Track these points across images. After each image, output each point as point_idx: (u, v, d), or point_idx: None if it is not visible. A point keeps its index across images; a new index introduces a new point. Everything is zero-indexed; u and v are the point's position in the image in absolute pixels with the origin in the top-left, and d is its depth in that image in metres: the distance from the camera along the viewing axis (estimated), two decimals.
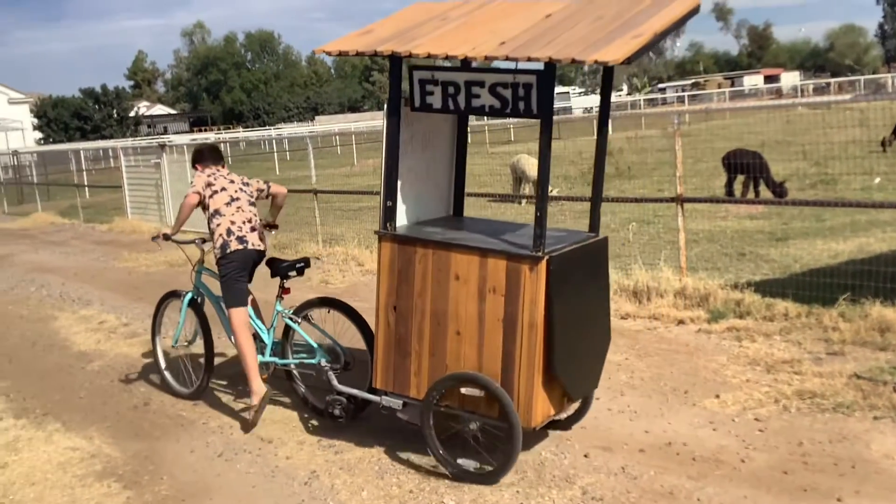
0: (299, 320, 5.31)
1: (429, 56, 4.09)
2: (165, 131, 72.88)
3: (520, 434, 4.08)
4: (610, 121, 4.60)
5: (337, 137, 38.12)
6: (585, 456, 4.43)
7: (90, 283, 10.65)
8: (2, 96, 60.05)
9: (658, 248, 8.86)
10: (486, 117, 4.55)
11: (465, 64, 4.34)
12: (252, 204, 5.55)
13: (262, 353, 5.40)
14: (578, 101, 61.80)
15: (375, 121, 58.18)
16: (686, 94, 54.92)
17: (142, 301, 9.06)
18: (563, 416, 4.72)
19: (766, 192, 12.47)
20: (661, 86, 74.21)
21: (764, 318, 6.37)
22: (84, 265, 12.21)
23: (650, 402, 5.13)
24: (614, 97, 67.99)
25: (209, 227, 5.42)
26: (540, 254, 3.99)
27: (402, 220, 4.68)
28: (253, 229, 5.41)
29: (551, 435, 4.72)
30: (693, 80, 76.54)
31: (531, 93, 3.93)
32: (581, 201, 12.29)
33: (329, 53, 4.55)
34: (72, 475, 4.76)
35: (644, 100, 52.43)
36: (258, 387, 5.20)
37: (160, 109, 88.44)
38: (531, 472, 4.30)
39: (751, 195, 12.64)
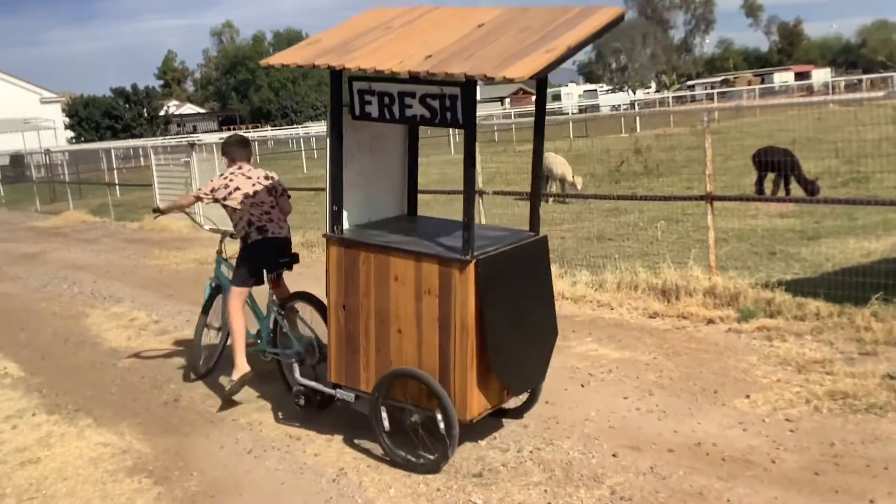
0: (283, 313, 5.57)
1: (360, 70, 4.27)
2: (195, 130, 73.47)
3: (456, 426, 4.28)
4: (544, 126, 4.85)
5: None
6: (614, 455, 4.41)
7: (121, 280, 10.78)
8: (34, 96, 60.82)
9: (687, 247, 8.80)
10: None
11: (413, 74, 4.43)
12: (271, 195, 5.73)
13: (262, 339, 5.72)
14: (606, 99, 61.49)
15: None
16: (715, 91, 54.33)
17: (172, 298, 9.16)
18: (511, 405, 4.94)
19: (796, 190, 12.33)
20: (689, 83, 73.47)
21: (795, 318, 6.29)
22: (115, 263, 12.35)
23: (679, 401, 5.09)
24: (642, 94, 67.63)
25: (231, 222, 5.74)
26: (468, 257, 4.18)
27: (353, 220, 4.92)
28: (271, 219, 5.63)
29: (579, 434, 4.71)
30: (722, 77, 75.73)
31: (456, 104, 4.11)
32: (609, 199, 12.26)
33: (273, 66, 4.82)
34: (103, 470, 4.82)
35: (673, 97, 51.99)
36: (242, 364, 5.49)
37: (189, 108, 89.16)
38: (559, 470, 4.29)
39: (781, 193, 12.51)
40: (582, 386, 5.48)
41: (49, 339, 8.06)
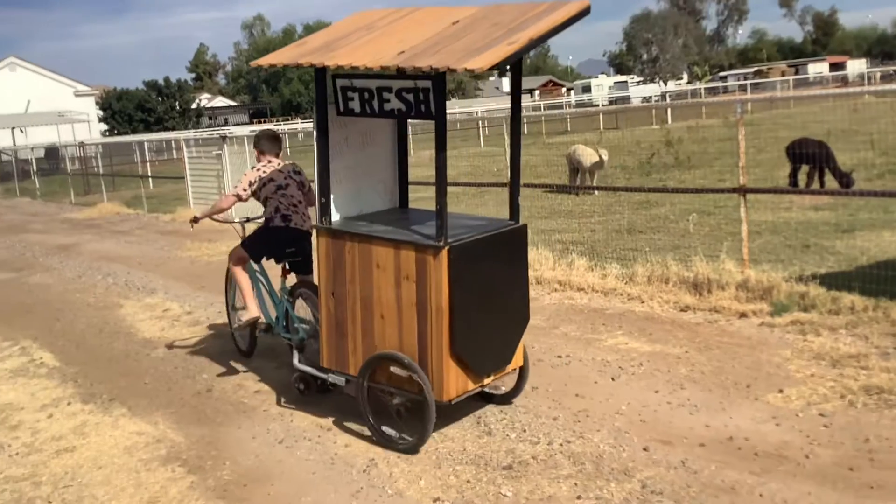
0: (291, 300, 5.87)
1: (338, 67, 4.59)
2: (226, 123, 73.88)
3: (433, 407, 4.51)
4: (523, 116, 5.06)
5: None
6: (645, 449, 4.39)
7: (154, 271, 10.90)
8: (68, 89, 61.58)
9: (719, 240, 8.72)
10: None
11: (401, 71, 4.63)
12: (300, 189, 6.00)
13: (277, 324, 6.01)
14: (637, 90, 60.96)
15: None
16: (748, 82, 53.65)
17: (204, 290, 9.24)
18: (501, 390, 5.22)
19: (831, 183, 12.15)
20: (722, 74, 72.67)
21: (829, 312, 6.21)
22: (148, 254, 12.49)
23: (711, 395, 5.05)
24: (674, 86, 67.01)
25: (263, 208, 6.01)
26: (441, 244, 4.41)
27: (344, 212, 5.20)
28: (297, 211, 5.90)
29: (610, 427, 4.69)
30: (756, 68, 74.75)
31: (429, 96, 4.37)
32: (640, 192, 12.17)
33: (262, 66, 5.15)
34: (137, 459, 4.89)
35: (705, 88, 51.43)
36: (252, 308, 5.92)
37: (221, 101, 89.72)
38: (589, 464, 4.28)
39: (815, 185, 12.33)
40: (612, 379, 5.46)
41: (84, 329, 8.17)
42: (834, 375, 5.14)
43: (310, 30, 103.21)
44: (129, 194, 21.80)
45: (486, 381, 4.85)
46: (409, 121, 5.21)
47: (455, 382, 4.61)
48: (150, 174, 24.44)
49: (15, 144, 41.42)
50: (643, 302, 7.16)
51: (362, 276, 4.83)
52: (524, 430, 4.76)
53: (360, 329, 4.91)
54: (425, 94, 4.38)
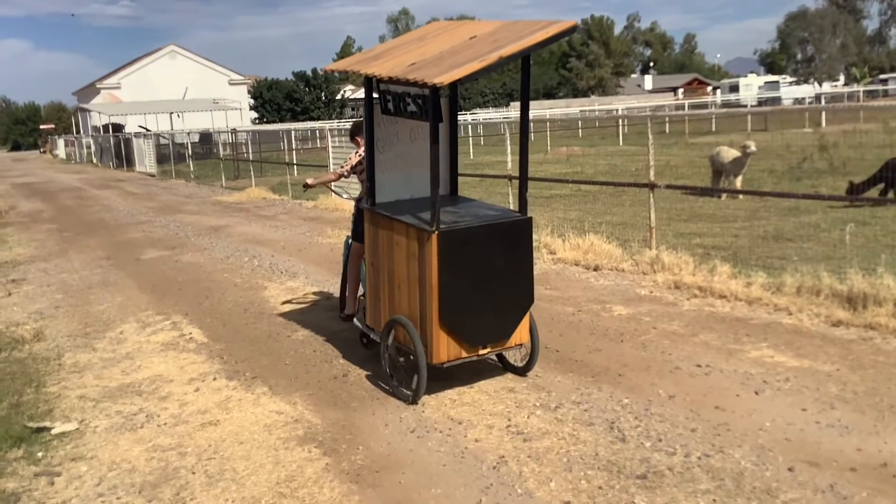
0: None
1: (368, 75, 5.40)
2: None
3: (425, 367, 5.25)
4: (531, 118, 5.68)
5: (531, 124, 38.08)
6: (790, 470, 4.17)
7: (297, 256, 11.28)
8: (223, 78, 64.65)
9: (876, 253, 8.20)
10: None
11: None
12: None
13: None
14: (788, 91, 58.29)
15: (570, 108, 57.57)
16: None
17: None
18: (520, 363, 5.85)
19: None
20: (882, 77, 68.39)
21: None
22: (292, 239, 12.94)
23: (864, 418, 4.75)
24: (829, 87, 63.73)
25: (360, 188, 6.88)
26: (433, 229, 5.09)
27: (395, 195, 6.02)
28: None
29: (752, 443, 4.48)
30: None
31: (427, 103, 5.06)
32: (789, 197, 11.61)
33: (330, 70, 6.23)
34: (276, 437, 5.05)
35: (863, 91, 48.54)
36: (350, 308, 6.89)
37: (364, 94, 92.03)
38: (729, 480, 4.10)
39: None
40: (756, 393, 5.22)
41: (230, 308, 8.54)
42: None
43: None
44: (276, 180, 22.66)
45: (483, 351, 5.44)
46: (416, 123, 5.87)
47: (446, 349, 5.27)
48: (295, 161, 25.32)
49: (172, 129, 43.87)
50: (791, 314, 6.82)
51: (388, 250, 5.63)
52: (660, 440, 4.62)
53: (387, 294, 5.73)
54: (426, 100, 5.06)
